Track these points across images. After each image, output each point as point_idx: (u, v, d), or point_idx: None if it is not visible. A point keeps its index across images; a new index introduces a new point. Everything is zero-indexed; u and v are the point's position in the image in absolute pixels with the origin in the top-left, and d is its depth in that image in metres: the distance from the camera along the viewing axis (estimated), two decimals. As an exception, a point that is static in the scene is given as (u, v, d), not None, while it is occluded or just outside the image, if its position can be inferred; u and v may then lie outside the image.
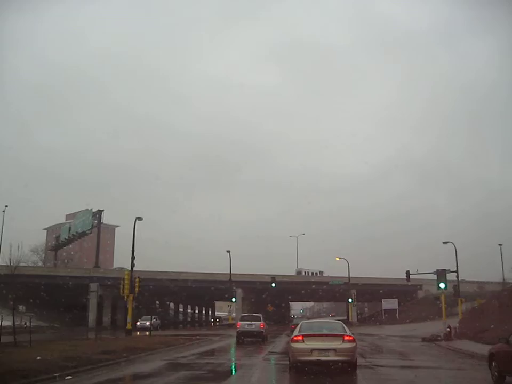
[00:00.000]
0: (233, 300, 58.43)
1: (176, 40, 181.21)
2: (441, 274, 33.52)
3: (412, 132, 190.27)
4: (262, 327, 29.86)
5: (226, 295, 63.27)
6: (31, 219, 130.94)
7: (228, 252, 58.84)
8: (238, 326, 30.79)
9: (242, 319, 31.59)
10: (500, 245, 74.84)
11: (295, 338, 14.08)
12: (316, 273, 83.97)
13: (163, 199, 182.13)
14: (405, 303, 73.19)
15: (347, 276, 63.55)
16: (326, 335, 13.92)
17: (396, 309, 70.11)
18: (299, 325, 15.47)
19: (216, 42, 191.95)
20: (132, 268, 40.08)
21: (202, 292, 69.93)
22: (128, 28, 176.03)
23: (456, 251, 51.05)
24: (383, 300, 70.66)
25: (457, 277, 51.71)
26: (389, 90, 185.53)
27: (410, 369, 16.77)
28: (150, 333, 35.32)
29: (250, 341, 30.40)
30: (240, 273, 67.58)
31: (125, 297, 39.16)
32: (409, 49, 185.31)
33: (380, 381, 13.96)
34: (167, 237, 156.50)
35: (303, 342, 13.63)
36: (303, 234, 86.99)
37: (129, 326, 39.41)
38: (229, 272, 63.43)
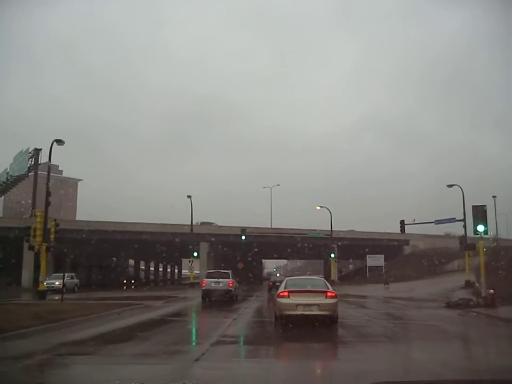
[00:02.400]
0: (195, 254, 47.04)
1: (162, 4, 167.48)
2: (479, 213, 21.99)
3: (385, 95, 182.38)
4: (230, 285, 25.41)
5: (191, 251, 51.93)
6: None
7: (189, 197, 47.09)
8: (203, 284, 26.41)
9: (209, 276, 27.03)
10: (494, 196, 65.46)
11: (281, 294, 14.02)
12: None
13: (138, 154, 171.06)
14: (390, 260, 62.70)
15: (326, 230, 53.02)
16: (310, 291, 13.88)
17: (381, 266, 59.84)
18: (284, 281, 15.62)
19: (198, 5, 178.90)
20: (46, 208, 28.08)
21: (165, 247, 58.17)
22: None
23: (463, 194, 40.70)
24: (367, 256, 60.25)
25: (465, 226, 41.34)
26: (363, 55, 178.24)
27: None
28: (62, 297, 23.54)
29: (213, 305, 23.63)
30: (206, 225, 56.18)
31: (35, 247, 27.19)
32: (382, 15, 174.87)
33: None
34: (141, 193, 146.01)
35: (289, 297, 13.66)
36: (278, 185, 76.18)
37: (41, 287, 27.77)
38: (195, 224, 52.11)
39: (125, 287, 48.94)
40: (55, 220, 28.55)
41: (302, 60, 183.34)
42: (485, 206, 22.47)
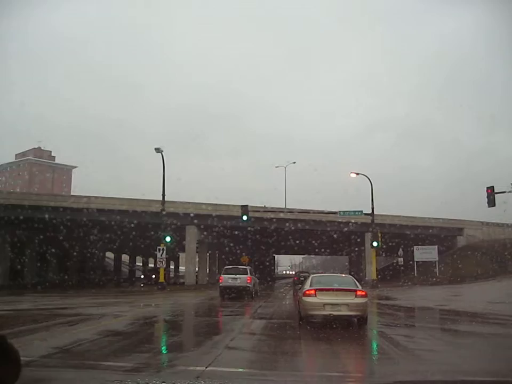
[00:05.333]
0: (168, 239, 29.50)
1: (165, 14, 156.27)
2: None
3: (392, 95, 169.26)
4: (248, 281, 23.73)
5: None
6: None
7: (158, 150, 29.77)
8: (220, 281, 24.52)
9: (226, 272, 24.77)
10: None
11: (307, 292, 12.24)
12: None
13: (142, 148, 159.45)
14: (440, 254, 44.49)
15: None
16: (339, 290, 12.15)
17: (435, 261, 41.93)
18: (309, 279, 13.79)
19: (200, 15, 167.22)
20: None
21: (144, 234, 40.50)
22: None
23: None
24: (415, 247, 42.42)
25: None
26: (372, 56, 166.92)
27: None
28: None
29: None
30: (194, 202, 38.91)
31: None
32: (392, 14, 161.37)
33: None
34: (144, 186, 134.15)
35: (316, 296, 11.97)
36: (294, 163, 58.45)
37: None
38: (180, 202, 34.90)
39: None
40: None
41: (314, 62, 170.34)
42: None
